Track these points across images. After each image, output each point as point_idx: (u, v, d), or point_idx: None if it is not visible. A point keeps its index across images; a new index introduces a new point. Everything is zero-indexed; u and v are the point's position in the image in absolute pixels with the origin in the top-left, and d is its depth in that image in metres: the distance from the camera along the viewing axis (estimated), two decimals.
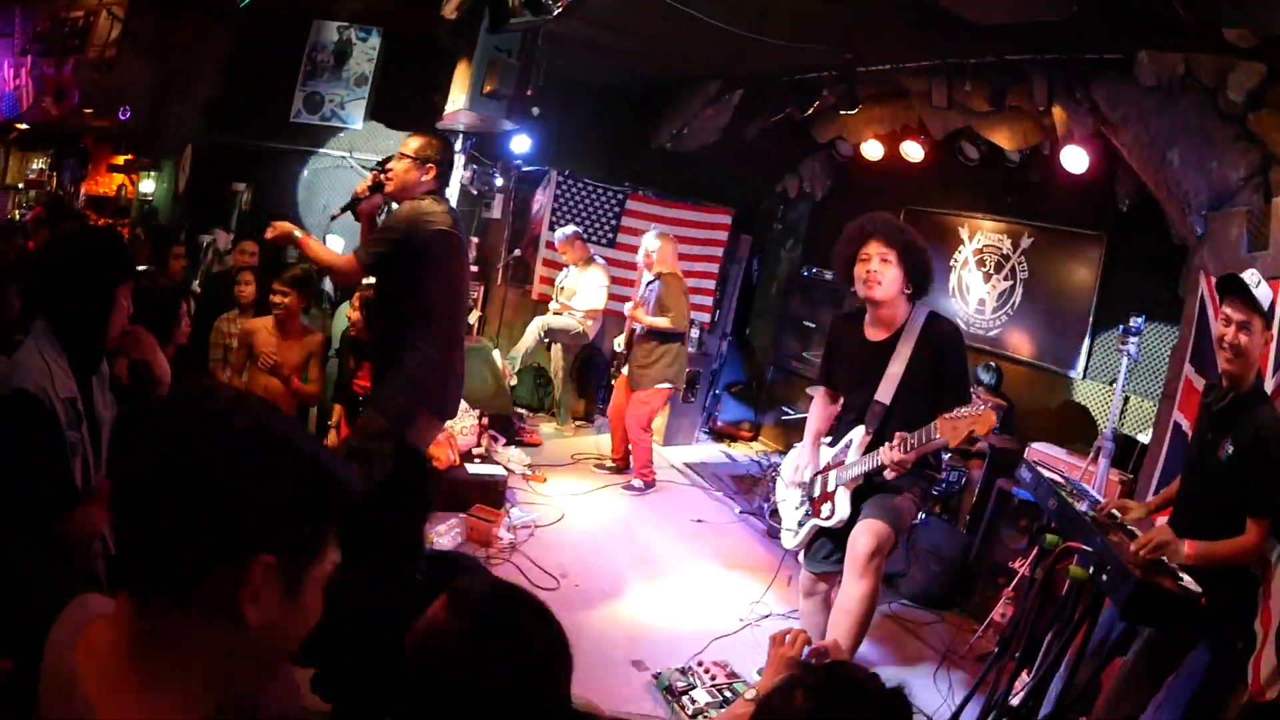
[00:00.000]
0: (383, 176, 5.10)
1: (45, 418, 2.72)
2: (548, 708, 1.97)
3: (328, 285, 8.85)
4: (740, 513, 8.52)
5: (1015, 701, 4.21)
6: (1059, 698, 4.04)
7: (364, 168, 9.08)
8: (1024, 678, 4.43)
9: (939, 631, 6.65)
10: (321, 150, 9.57)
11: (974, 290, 9.59)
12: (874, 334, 4.91)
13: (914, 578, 7.17)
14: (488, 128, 8.43)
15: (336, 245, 8.15)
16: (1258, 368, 4.13)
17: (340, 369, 6.79)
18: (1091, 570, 3.79)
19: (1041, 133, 7.69)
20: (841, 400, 5.26)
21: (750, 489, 9.21)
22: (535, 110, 8.35)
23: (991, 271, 9.43)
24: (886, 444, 4.58)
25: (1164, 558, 3.78)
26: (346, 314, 6.91)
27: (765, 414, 11.74)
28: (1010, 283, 9.23)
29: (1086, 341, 8.37)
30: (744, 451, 11.06)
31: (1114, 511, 4.41)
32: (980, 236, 9.63)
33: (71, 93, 11.85)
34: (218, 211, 9.59)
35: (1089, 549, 3.90)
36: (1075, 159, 7.56)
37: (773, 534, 7.57)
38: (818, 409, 5.31)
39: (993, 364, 8.65)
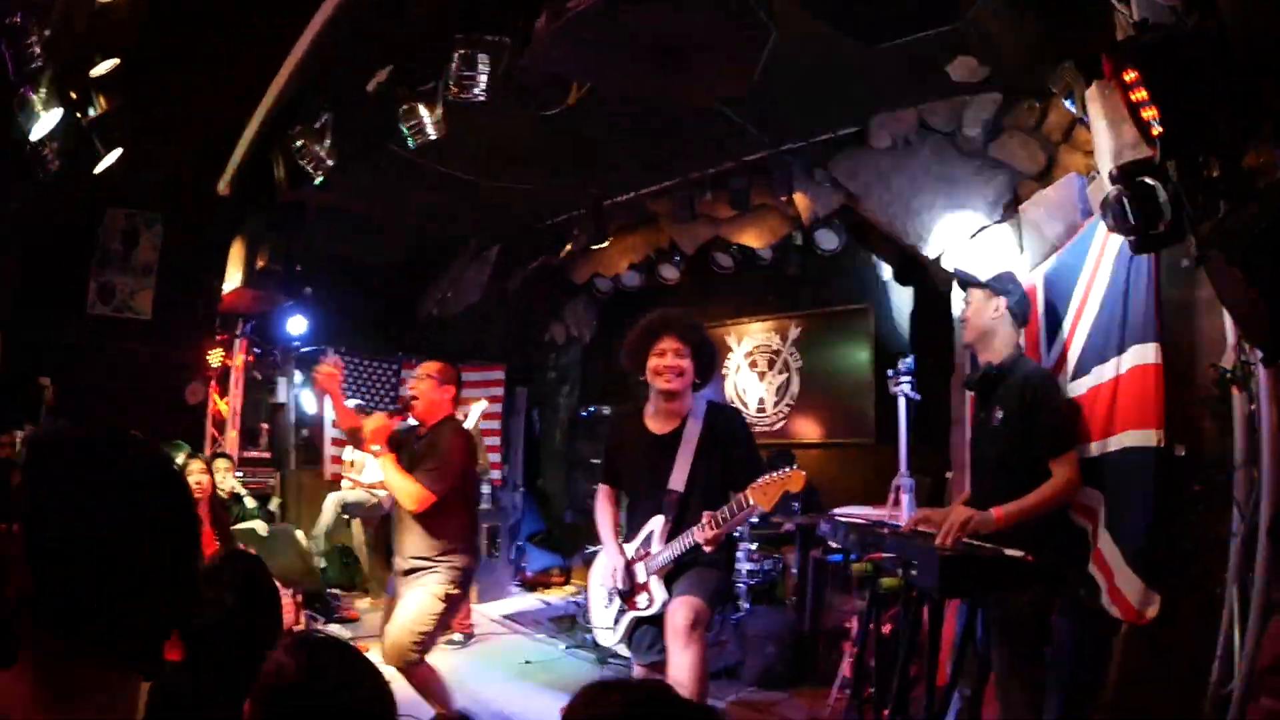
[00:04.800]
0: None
1: None
2: None
3: None
4: (567, 648, 8.41)
5: None
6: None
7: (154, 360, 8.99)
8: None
9: (794, 705, 6.70)
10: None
11: (751, 391, 9.98)
12: (658, 426, 5.04)
13: (752, 664, 7.21)
14: (264, 306, 8.42)
15: None
16: (1012, 342, 4.46)
17: None
18: (902, 573, 3.80)
19: (789, 223, 8.08)
20: (625, 496, 5.36)
21: (571, 627, 9.09)
22: (308, 289, 8.38)
23: (765, 369, 9.84)
24: (696, 526, 4.64)
25: (973, 538, 3.89)
26: None
27: (572, 557, 11.68)
28: (785, 375, 9.63)
29: (875, 407, 8.74)
30: (559, 595, 10.98)
31: (919, 529, 4.46)
32: (748, 339, 10.05)
33: None
34: (23, 406, 9.07)
35: (892, 554, 3.96)
36: (826, 239, 7.98)
37: (603, 661, 7.52)
38: (605, 508, 5.34)
39: (786, 454, 8.86)
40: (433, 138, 6.01)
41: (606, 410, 10.83)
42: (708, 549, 4.62)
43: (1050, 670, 4.36)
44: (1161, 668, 3.80)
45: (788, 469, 4.46)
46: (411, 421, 5.68)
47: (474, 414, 8.83)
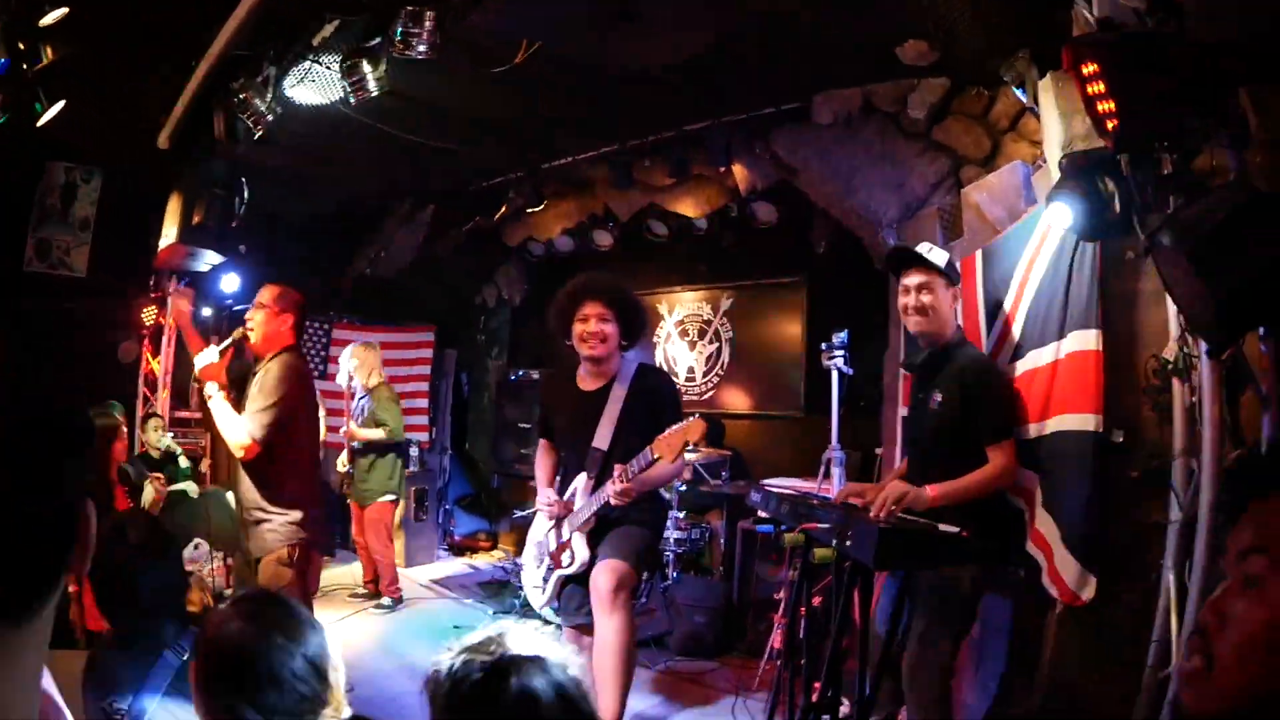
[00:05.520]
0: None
1: None
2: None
3: None
4: (494, 613, 8.42)
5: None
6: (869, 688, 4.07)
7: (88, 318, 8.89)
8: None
9: (723, 674, 6.81)
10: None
11: (681, 360, 10.00)
12: (588, 384, 5.13)
13: (681, 633, 7.28)
14: (198, 264, 8.28)
15: None
16: (955, 325, 4.48)
17: None
18: (836, 543, 3.80)
19: (726, 194, 8.07)
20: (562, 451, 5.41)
21: (499, 592, 9.11)
22: (242, 248, 8.24)
23: (695, 339, 9.88)
24: (609, 481, 4.73)
25: (906, 513, 3.92)
26: None
27: (499, 521, 11.69)
28: (716, 345, 9.67)
29: (804, 381, 8.78)
30: (486, 560, 10.98)
31: (849, 501, 4.45)
32: (680, 308, 10.07)
33: None
34: None
35: (826, 525, 3.98)
36: (763, 212, 8.00)
37: None
38: (544, 459, 5.44)
39: (716, 424, 8.91)
40: (374, 94, 5.91)
41: (535, 375, 10.79)
42: (615, 502, 4.69)
43: (986, 648, 4.45)
44: (1097, 649, 3.90)
45: (689, 418, 4.51)
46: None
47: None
